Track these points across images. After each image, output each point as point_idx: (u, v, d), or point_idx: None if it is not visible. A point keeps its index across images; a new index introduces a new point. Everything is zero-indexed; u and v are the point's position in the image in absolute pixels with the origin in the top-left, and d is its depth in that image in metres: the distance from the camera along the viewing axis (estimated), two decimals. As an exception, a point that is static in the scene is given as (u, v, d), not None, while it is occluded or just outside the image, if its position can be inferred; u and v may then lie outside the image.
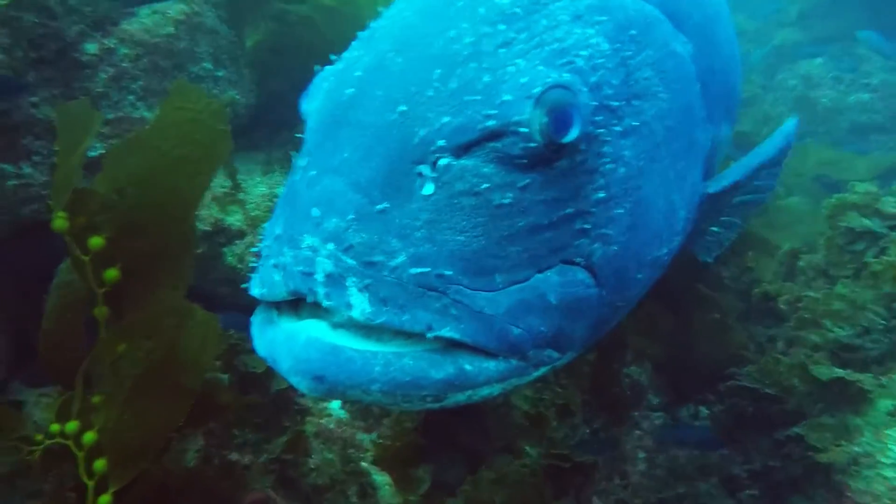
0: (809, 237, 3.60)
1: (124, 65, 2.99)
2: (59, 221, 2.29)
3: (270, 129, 3.72)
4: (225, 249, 3.07)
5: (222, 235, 3.08)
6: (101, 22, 2.99)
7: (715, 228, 2.27)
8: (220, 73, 3.38)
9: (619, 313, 1.61)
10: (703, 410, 3.24)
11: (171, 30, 3.13)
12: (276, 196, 3.32)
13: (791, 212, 3.93)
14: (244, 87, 3.55)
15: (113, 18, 3.04)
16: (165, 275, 2.42)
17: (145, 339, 2.23)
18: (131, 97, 3.02)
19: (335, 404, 2.87)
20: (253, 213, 3.10)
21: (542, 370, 1.40)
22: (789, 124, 2.30)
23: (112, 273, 2.28)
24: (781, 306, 3.00)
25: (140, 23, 3.08)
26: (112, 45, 2.98)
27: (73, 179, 2.28)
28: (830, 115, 6.01)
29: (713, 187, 2.05)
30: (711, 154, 2.11)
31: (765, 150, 2.19)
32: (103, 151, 2.88)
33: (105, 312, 2.28)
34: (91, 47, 2.94)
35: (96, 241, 2.28)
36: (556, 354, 1.39)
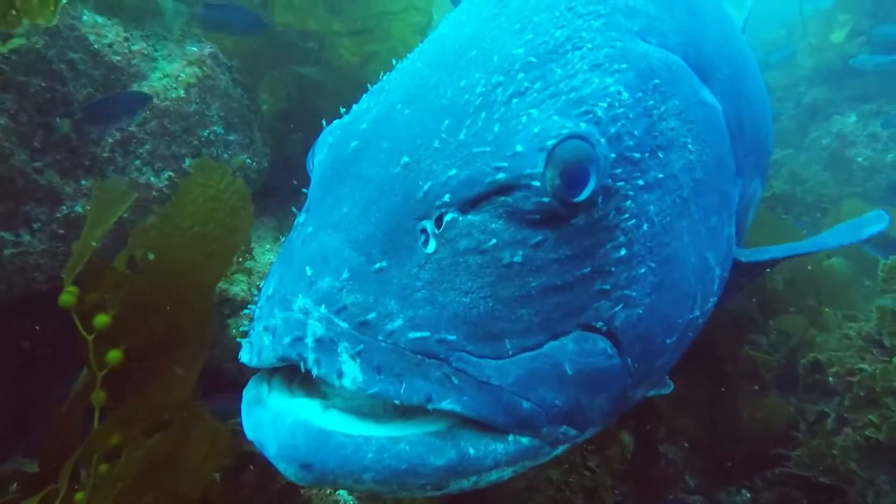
0: (856, 302, 3.37)
1: (131, 129, 2.90)
2: (66, 297, 2.19)
3: (284, 194, 3.62)
4: (230, 321, 2.91)
5: (227, 306, 2.93)
6: (110, 85, 2.93)
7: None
8: (231, 137, 3.30)
9: (646, 383, 1.48)
10: (746, 494, 2.97)
11: (181, 93, 3.06)
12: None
13: (832, 274, 3.69)
14: (257, 150, 3.46)
15: (123, 81, 2.97)
16: (176, 360, 2.31)
17: (144, 437, 2.07)
18: (137, 162, 2.93)
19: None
20: (260, 283, 2.95)
21: (560, 449, 1.29)
22: (869, 218, 2.15)
23: (114, 355, 2.18)
24: (831, 379, 2.75)
25: (150, 86, 3.01)
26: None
27: (89, 254, 2.21)
28: (868, 175, 5.80)
29: (746, 256, 1.92)
30: (741, 211, 1.99)
31: (822, 240, 2.05)
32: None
33: (102, 398, 2.14)
34: (98, 111, 2.86)
35: (101, 320, 2.22)
36: (573, 432, 1.27)
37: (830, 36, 6.16)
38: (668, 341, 1.44)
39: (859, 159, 5.91)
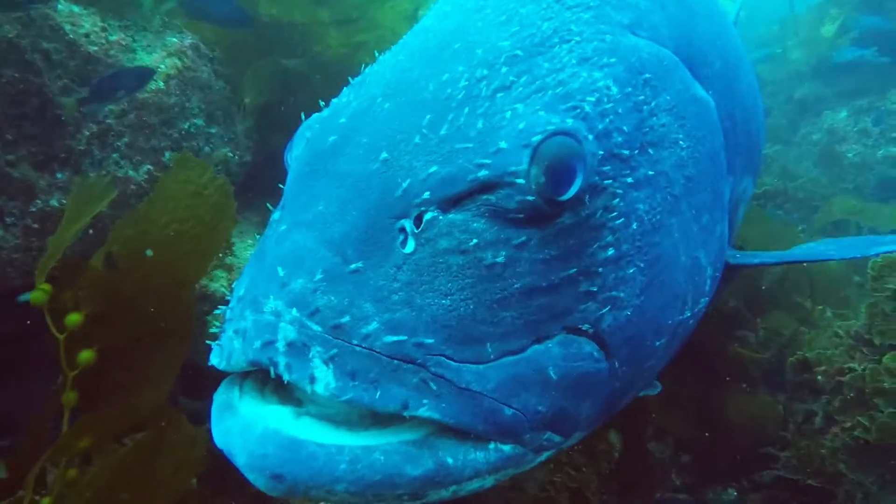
0: (849, 298, 3.34)
1: (109, 121, 2.83)
2: (38, 294, 2.12)
3: (268, 189, 3.55)
4: (209, 318, 2.85)
5: (206, 303, 2.86)
6: (87, 77, 2.85)
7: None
8: (212, 130, 3.23)
9: (634, 387, 1.45)
10: (732, 492, 2.94)
11: (160, 85, 2.99)
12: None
13: (825, 271, 3.65)
14: (239, 144, 3.39)
15: (100, 72, 2.90)
16: (154, 360, 2.24)
17: (116, 444, 2.00)
18: (115, 155, 2.85)
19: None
20: (240, 278, 2.88)
21: (545, 455, 1.25)
22: (884, 239, 2.15)
23: (86, 355, 2.10)
24: (819, 378, 2.72)
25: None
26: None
27: (62, 250, 2.15)
28: (858, 171, 5.78)
29: (736, 259, 1.90)
30: (732, 209, 1.97)
31: (824, 250, 2.02)
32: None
33: (73, 399, 2.07)
34: (71, 102, 2.79)
35: (73, 318, 2.14)
36: (557, 438, 1.24)
37: (821, 30, 6.12)
38: (657, 344, 1.41)
39: (849, 155, 5.89)
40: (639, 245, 1.33)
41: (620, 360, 1.30)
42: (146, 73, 2.79)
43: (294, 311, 1.09)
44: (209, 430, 2.06)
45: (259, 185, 3.56)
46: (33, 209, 2.68)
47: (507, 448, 1.16)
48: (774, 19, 8.38)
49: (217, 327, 1.27)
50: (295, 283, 1.11)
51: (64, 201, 2.72)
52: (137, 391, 2.12)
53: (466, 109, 1.26)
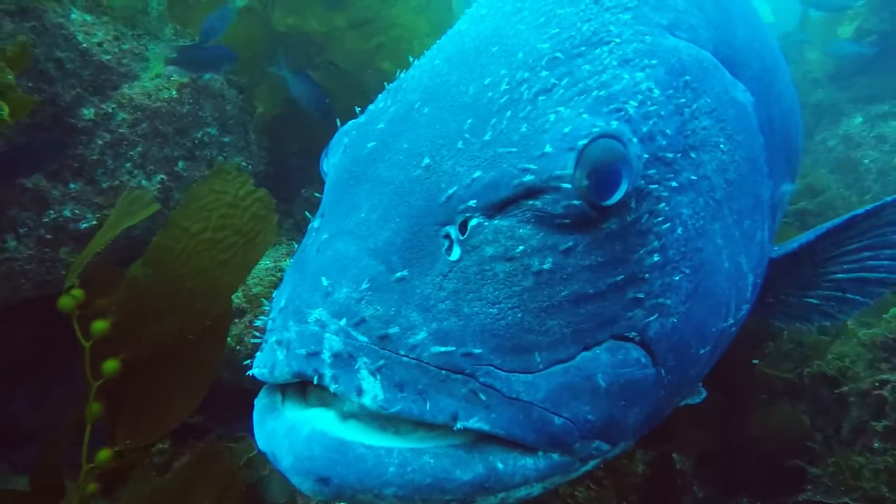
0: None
1: (122, 130, 2.81)
2: (66, 300, 2.07)
3: (281, 198, 3.53)
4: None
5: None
6: (100, 86, 2.83)
7: (812, 300, 2.01)
8: (226, 139, 3.20)
9: (678, 396, 1.43)
10: (756, 505, 2.88)
11: (173, 93, 2.97)
12: (281, 271, 3.09)
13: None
14: (252, 153, 3.37)
15: (113, 82, 2.88)
16: (183, 372, 2.19)
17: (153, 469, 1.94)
18: (128, 165, 2.83)
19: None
20: (254, 290, 2.84)
21: (591, 464, 1.23)
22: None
23: (111, 364, 2.05)
24: (845, 389, 2.65)
25: (141, 87, 2.92)
26: (110, 110, 2.82)
27: (90, 256, 2.13)
28: (875, 177, 5.72)
29: (777, 252, 1.85)
30: (771, 214, 1.88)
31: (844, 217, 1.93)
32: (94, 223, 2.70)
33: (97, 410, 2.02)
34: (88, 112, 2.77)
35: (100, 326, 2.10)
36: (606, 447, 1.21)
37: (838, 31, 6.07)
38: (701, 351, 1.37)
39: (866, 161, 5.83)
40: (684, 251, 1.30)
41: (666, 368, 1.28)
42: (58, 147, 2.67)
43: (339, 322, 1.07)
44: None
45: (273, 195, 3.53)
46: (46, 220, 2.66)
47: (555, 456, 1.14)
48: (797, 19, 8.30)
49: (257, 338, 1.25)
50: (339, 293, 1.09)
51: (77, 211, 2.71)
52: (163, 405, 2.07)
53: (508, 113, 1.24)
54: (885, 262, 1.89)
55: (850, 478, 2.21)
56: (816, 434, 2.68)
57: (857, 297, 1.95)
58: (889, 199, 1.85)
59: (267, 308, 1.28)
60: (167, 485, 1.91)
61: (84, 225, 2.70)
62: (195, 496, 1.94)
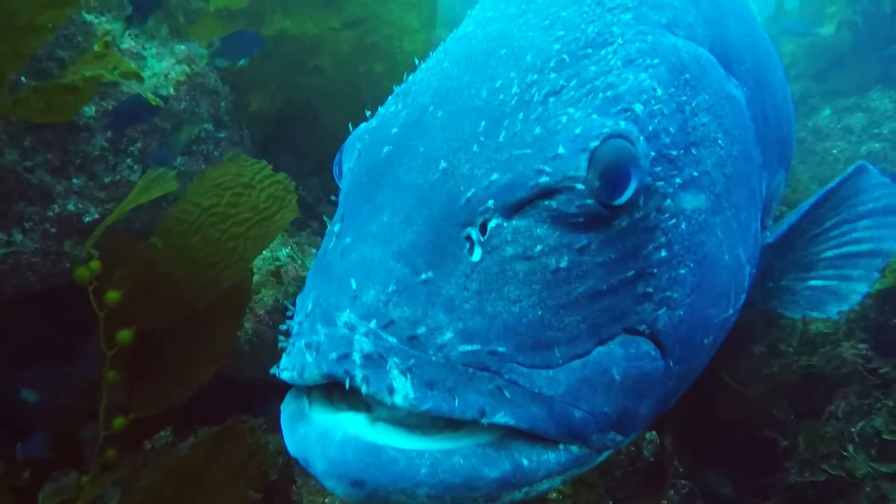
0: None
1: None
2: (82, 271, 2.13)
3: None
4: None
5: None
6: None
7: (817, 283, 1.99)
8: (221, 135, 3.30)
9: (684, 385, 1.46)
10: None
11: (171, 91, 3.06)
12: (272, 265, 3.20)
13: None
14: (247, 148, 3.46)
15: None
16: (198, 344, 2.24)
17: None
18: (129, 160, 2.92)
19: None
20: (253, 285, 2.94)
21: (605, 455, 1.28)
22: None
23: (125, 334, 2.12)
24: (815, 360, 2.81)
25: (140, 85, 3.00)
26: (111, 107, 2.90)
27: (103, 228, 2.18)
28: (843, 167, 5.90)
29: (771, 237, 1.91)
30: (767, 204, 1.97)
31: (819, 193, 1.98)
32: (97, 217, 2.79)
33: (114, 378, 2.08)
34: (89, 110, 2.85)
35: (112, 296, 2.14)
36: (619, 437, 1.26)
37: (820, 30, 6.20)
38: (706, 341, 1.43)
39: (834, 151, 6.03)
40: (688, 245, 1.35)
41: (675, 359, 1.33)
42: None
43: (369, 324, 1.09)
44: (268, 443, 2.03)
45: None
46: (51, 214, 2.73)
47: (574, 448, 1.18)
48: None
49: (283, 342, 1.28)
50: (367, 296, 1.12)
51: (80, 206, 2.79)
52: (181, 371, 2.14)
53: (521, 115, 1.27)
54: (866, 233, 1.92)
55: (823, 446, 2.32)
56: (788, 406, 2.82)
57: (857, 272, 1.95)
58: (850, 169, 1.91)
59: (290, 312, 1.30)
60: (185, 458, 1.99)
61: (87, 219, 2.78)
62: (216, 471, 2.02)
